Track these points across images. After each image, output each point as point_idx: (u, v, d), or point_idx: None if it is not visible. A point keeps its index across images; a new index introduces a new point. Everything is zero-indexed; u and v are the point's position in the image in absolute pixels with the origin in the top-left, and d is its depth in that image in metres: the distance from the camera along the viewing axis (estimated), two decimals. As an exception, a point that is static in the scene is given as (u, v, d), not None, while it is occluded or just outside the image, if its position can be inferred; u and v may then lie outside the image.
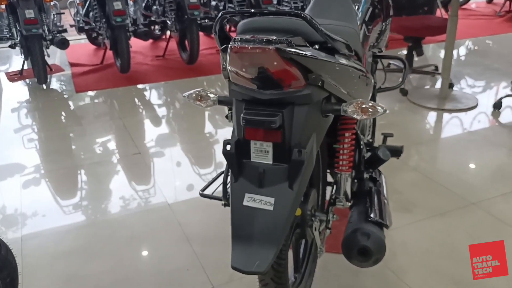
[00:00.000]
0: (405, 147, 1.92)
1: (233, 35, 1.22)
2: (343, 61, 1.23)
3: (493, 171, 2.58)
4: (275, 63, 1.04)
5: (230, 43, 1.08)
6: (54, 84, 4.42)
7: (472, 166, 2.66)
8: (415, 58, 4.10)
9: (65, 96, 4.08)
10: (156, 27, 5.55)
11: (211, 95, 1.30)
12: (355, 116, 1.16)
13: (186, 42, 4.68)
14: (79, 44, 5.74)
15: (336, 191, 1.49)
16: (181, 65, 4.77)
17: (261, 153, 1.14)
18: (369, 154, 1.68)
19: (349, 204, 1.53)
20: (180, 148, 3.03)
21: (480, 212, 2.17)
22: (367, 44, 1.76)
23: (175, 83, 4.30)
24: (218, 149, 2.94)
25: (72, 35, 5.44)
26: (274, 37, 1.03)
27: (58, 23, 4.57)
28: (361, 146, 1.64)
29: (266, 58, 1.04)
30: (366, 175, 1.65)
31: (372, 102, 1.17)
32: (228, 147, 1.15)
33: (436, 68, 4.19)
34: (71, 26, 5.29)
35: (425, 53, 4.47)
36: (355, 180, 1.67)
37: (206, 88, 1.30)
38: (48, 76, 4.30)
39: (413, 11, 4.43)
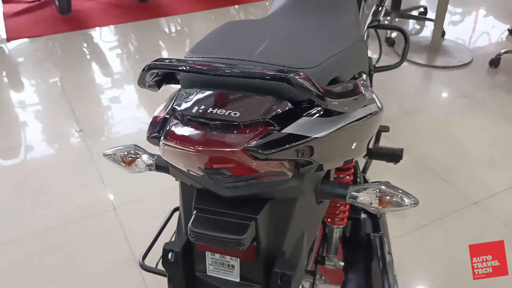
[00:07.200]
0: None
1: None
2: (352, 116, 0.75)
3: (501, 155, 2.23)
4: (246, 166, 0.61)
5: (164, 132, 0.65)
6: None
7: (473, 149, 2.29)
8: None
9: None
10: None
11: (145, 157, 0.85)
12: (370, 209, 0.74)
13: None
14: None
15: (326, 248, 1.12)
16: (133, 1, 4.07)
17: (223, 266, 0.74)
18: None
19: (342, 264, 1.14)
20: (140, 121, 2.51)
21: (483, 214, 1.85)
22: (365, 24, 1.30)
23: (128, 27, 3.66)
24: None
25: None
26: (234, 117, 0.59)
27: None
28: (358, 178, 1.24)
29: (230, 161, 0.60)
30: (363, 215, 1.25)
31: (393, 187, 0.74)
32: (171, 256, 0.74)
33: (425, 10, 3.69)
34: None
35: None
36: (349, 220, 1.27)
37: (139, 145, 0.84)
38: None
39: None
